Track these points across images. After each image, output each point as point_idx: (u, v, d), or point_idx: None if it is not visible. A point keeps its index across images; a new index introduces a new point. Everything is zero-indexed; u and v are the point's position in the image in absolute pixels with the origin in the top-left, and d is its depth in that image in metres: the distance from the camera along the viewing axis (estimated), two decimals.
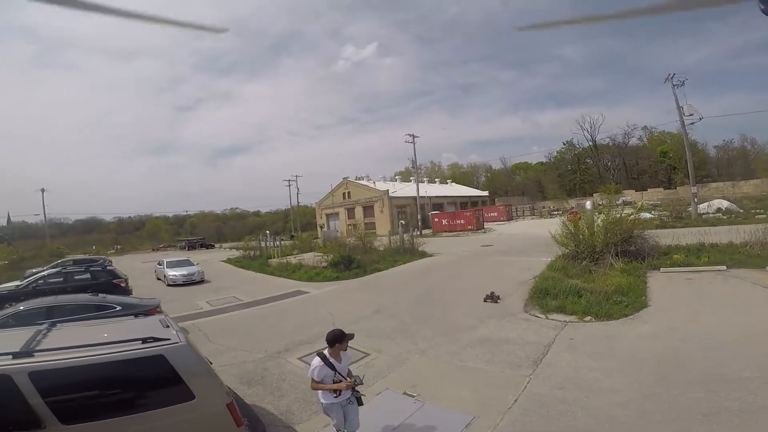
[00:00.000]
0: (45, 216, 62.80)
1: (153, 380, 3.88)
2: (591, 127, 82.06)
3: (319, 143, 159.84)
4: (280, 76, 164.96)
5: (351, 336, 4.55)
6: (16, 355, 3.62)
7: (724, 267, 12.64)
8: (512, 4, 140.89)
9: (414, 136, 42.29)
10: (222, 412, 3.98)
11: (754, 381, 5.33)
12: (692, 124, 34.67)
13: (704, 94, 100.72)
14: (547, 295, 10.64)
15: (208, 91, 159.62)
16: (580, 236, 15.04)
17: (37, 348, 3.88)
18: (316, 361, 4.40)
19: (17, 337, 4.14)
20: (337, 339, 4.44)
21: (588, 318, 8.88)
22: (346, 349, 4.58)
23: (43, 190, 60.82)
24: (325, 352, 4.46)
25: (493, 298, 11.26)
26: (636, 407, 4.99)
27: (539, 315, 9.53)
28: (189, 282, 19.33)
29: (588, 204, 18.31)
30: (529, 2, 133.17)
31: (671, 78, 30.00)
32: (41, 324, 5.00)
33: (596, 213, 16.01)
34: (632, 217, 15.66)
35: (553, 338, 7.76)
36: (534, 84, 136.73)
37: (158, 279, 21.58)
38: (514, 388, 5.80)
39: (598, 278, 11.50)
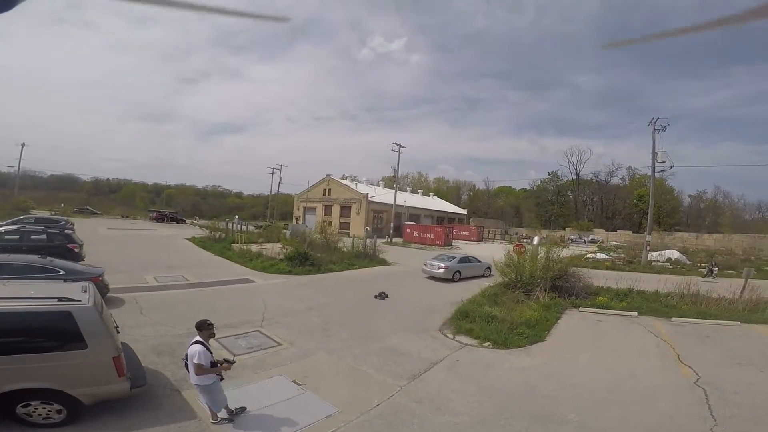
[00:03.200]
0: (19, 168, 61.15)
1: (58, 330, 4.98)
2: (577, 161, 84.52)
3: (314, 134, 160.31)
4: (291, 61, 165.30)
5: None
6: None
7: (636, 313, 13.83)
8: (541, 24, 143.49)
9: (400, 146, 43.16)
10: (108, 362, 5.07)
11: (570, 424, 6.01)
12: (662, 171, 36.00)
13: (704, 140, 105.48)
14: (465, 318, 11.60)
15: (215, 66, 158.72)
16: (520, 268, 16.14)
17: None
18: (199, 347, 4.98)
19: None
20: (205, 325, 5.22)
21: (487, 344, 9.81)
22: (214, 335, 5.50)
23: (23, 145, 58.87)
24: (200, 338, 5.11)
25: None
26: (461, 430, 5.71)
27: (448, 335, 10.45)
28: None
29: (536, 239, 19.64)
30: (558, 24, 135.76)
31: (654, 122, 30.42)
32: None
33: (541, 248, 17.14)
34: (572, 255, 16.87)
35: (443, 357, 8.63)
36: (541, 108, 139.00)
37: None
38: (383, 394, 6.67)
39: (517, 309, 12.52)
